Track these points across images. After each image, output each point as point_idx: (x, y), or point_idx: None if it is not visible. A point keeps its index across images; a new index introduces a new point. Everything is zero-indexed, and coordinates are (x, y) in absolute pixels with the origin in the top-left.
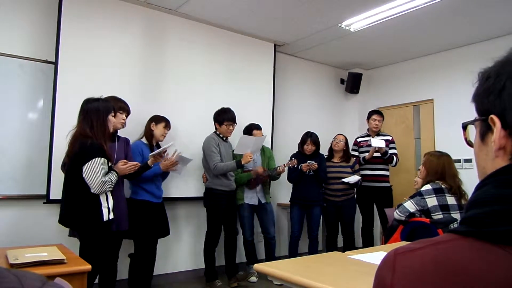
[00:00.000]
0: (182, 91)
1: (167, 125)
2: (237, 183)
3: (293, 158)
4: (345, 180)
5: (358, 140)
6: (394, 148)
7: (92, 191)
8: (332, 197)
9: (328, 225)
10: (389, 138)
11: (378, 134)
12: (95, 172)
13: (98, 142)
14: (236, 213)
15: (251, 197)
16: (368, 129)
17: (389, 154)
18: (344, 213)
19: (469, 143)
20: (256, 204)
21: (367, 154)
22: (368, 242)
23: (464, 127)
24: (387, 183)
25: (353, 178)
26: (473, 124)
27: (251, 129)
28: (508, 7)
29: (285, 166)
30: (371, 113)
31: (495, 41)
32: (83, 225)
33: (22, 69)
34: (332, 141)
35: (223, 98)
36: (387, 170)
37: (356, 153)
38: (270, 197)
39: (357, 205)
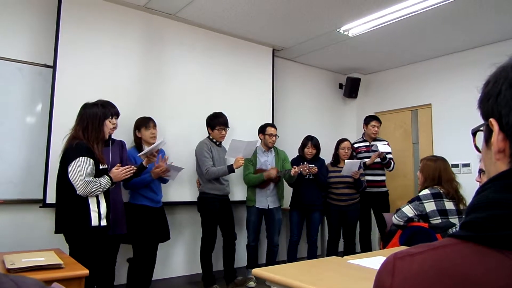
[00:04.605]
0: (181, 96)
1: (150, 125)
2: (246, 184)
3: (305, 163)
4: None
5: (356, 145)
6: (390, 152)
7: (78, 192)
8: (337, 201)
9: (331, 229)
10: (385, 143)
11: (375, 139)
12: (78, 171)
13: (87, 144)
14: (233, 217)
15: (261, 201)
16: (364, 134)
17: (387, 159)
18: (348, 218)
19: (478, 149)
20: (266, 208)
21: (366, 159)
22: (366, 247)
23: (474, 133)
24: (384, 187)
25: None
26: (481, 130)
27: (264, 127)
28: (504, 13)
29: (296, 171)
30: (370, 119)
31: (492, 47)
32: (69, 229)
33: (21, 73)
34: (339, 150)
35: (222, 102)
36: (384, 175)
37: None
38: (281, 206)
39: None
